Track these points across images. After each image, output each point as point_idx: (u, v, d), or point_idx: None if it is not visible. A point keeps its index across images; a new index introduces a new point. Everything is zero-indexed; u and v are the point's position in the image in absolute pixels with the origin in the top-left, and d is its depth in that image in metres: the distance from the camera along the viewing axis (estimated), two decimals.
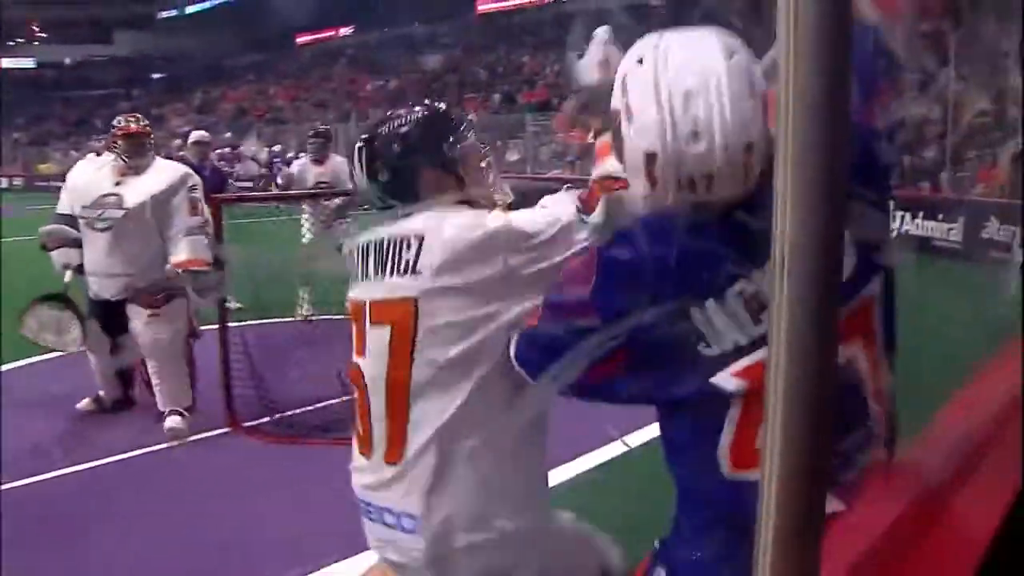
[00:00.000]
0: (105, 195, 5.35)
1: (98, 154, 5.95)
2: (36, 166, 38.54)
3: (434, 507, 1.93)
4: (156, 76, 54.08)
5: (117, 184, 5.38)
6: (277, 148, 26.00)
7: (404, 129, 2.06)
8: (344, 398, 5.69)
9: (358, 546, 3.81)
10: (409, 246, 1.93)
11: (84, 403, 5.80)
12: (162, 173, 5.51)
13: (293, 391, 5.60)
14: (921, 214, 13.03)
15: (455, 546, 1.94)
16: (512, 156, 26.23)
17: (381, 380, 1.98)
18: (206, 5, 55.04)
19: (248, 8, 51.84)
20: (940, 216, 12.89)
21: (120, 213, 5.29)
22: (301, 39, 48.60)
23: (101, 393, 5.82)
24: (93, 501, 4.48)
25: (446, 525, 1.92)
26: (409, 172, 2.01)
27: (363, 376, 2.07)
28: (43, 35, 54.64)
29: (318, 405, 5.58)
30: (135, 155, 5.47)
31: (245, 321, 6.17)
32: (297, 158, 12.02)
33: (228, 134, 30.38)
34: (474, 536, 1.93)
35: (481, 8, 40.28)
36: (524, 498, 2.01)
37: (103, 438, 5.29)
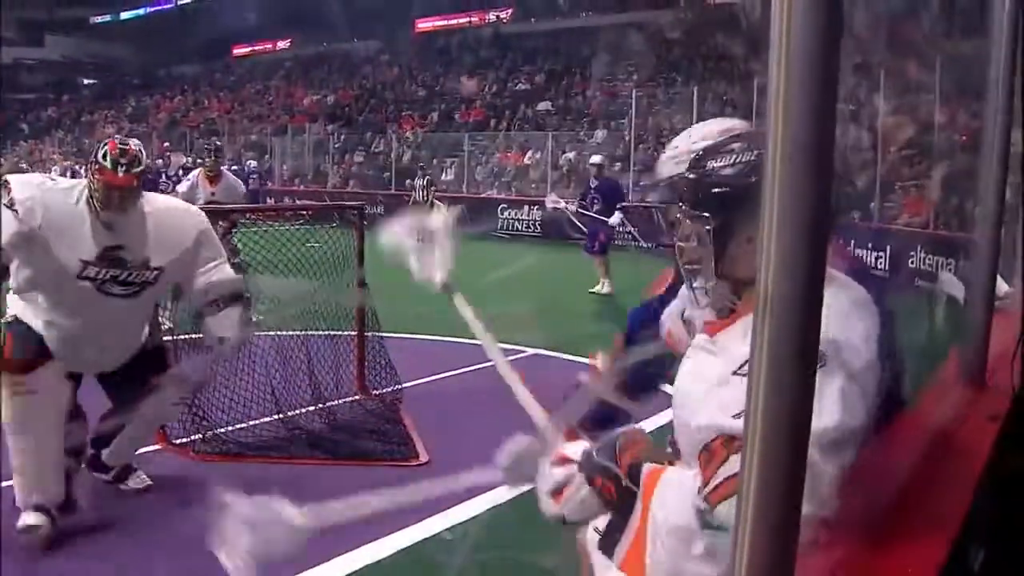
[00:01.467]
0: (112, 248, 4.02)
1: (62, 173, 4.94)
2: None
3: None
4: (88, 82, 53.03)
5: (110, 230, 4.01)
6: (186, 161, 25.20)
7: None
8: (276, 416, 5.66)
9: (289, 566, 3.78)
10: None
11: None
12: (179, 221, 4.35)
13: (225, 408, 5.52)
14: (853, 242, 13.25)
15: None
16: (448, 175, 26.24)
17: None
18: (140, 12, 54.16)
19: (184, 17, 51.27)
20: (869, 245, 13.18)
21: (152, 275, 4.16)
22: (238, 51, 48.06)
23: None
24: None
25: None
26: None
27: None
28: None
29: (251, 423, 5.51)
30: (121, 210, 4.00)
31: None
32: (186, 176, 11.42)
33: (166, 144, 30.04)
34: None
35: (420, 27, 40.25)
36: None
37: None
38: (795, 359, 0.74)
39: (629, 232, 19.43)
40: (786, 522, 0.76)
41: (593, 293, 11.91)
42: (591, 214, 12.22)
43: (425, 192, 10.49)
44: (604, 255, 12.07)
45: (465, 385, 6.99)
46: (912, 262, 12.51)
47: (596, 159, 13.43)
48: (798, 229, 0.73)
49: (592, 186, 12.59)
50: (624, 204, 12.49)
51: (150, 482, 4.72)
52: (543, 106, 28.59)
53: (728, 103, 21.72)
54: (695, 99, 20.22)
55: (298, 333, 6.15)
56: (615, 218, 12.11)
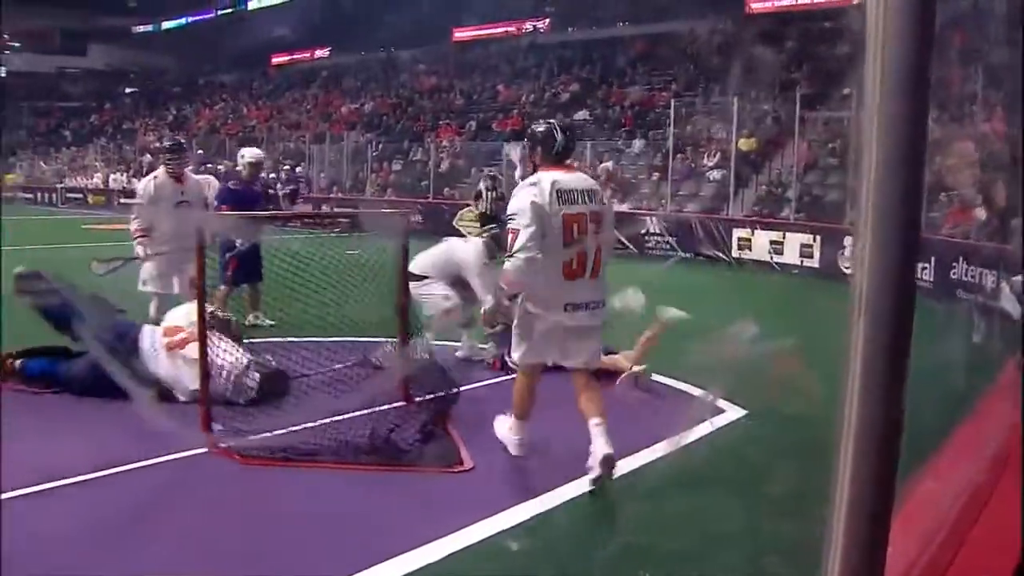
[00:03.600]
0: None
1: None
2: (4, 176, 38.42)
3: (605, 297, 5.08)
4: (129, 90, 53.78)
5: None
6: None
7: None
8: (327, 420, 5.69)
9: (330, 564, 3.82)
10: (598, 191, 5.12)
11: None
12: None
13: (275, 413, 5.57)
14: None
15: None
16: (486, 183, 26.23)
17: (595, 238, 4.89)
18: (182, 22, 54.90)
19: (223, 27, 51.89)
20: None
21: None
22: (276, 59, 48.52)
23: None
24: (71, 519, 4.42)
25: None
26: None
27: (589, 236, 4.88)
28: (15, 44, 54.01)
29: (296, 428, 5.54)
30: None
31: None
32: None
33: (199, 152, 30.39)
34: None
35: (457, 36, 40.42)
36: None
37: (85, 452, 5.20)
38: (889, 356, 0.77)
39: (668, 241, 19.41)
40: (880, 511, 0.78)
41: None
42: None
43: (493, 205, 10.05)
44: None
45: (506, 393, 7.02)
46: (954, 273, 12.39)
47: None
48: (891, 232, 0.76)
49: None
50: None
51: None
52: (580, 115, 28.59)
53: (769, 113, 21.58)
54: (735, 109, 20.11)
55: (347, 339, 6.19)
56: None
